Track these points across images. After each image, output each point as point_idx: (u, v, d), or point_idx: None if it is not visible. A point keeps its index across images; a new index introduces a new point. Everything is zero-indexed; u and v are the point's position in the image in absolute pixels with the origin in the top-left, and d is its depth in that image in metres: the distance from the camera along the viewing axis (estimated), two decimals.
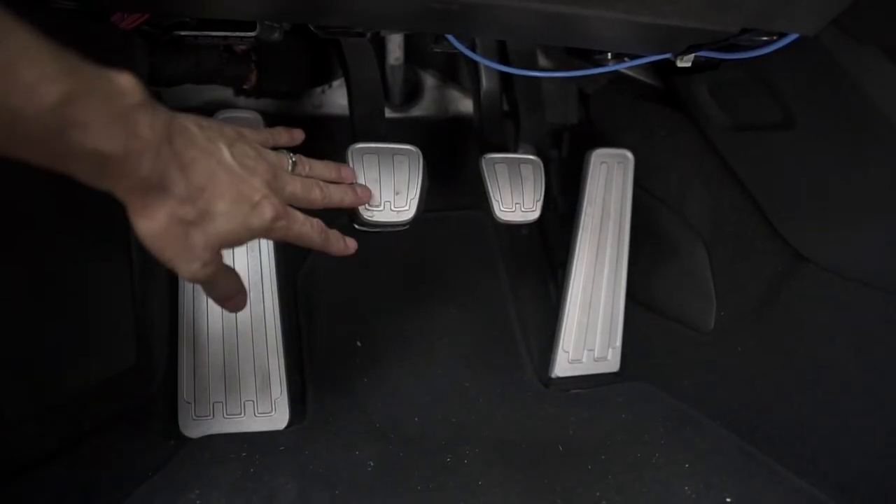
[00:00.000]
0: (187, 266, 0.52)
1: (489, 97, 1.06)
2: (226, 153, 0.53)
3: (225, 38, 0.80)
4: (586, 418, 0.94)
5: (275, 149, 0.65)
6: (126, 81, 0.43)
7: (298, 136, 0.73)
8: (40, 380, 0.62)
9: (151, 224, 0.48)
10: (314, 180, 0.66)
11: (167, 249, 0.50)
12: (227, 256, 0.84)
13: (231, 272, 0.60)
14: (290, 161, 0.64)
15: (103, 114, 0.40)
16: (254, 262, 0.88)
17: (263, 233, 0.57)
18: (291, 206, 0.61)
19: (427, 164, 0.83)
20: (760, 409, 0.89)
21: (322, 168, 0.70)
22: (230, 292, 0.61)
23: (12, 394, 0.58)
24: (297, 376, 1.00)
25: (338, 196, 0.69)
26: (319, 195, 0.65)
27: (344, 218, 0.79)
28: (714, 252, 1.00)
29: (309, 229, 0.62)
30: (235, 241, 0.55)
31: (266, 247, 0.89)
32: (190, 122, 0.51)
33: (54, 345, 0.64)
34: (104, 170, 0.43)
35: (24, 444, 0.61)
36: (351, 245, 0.70)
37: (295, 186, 0.61)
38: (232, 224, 0.53)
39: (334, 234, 0.67)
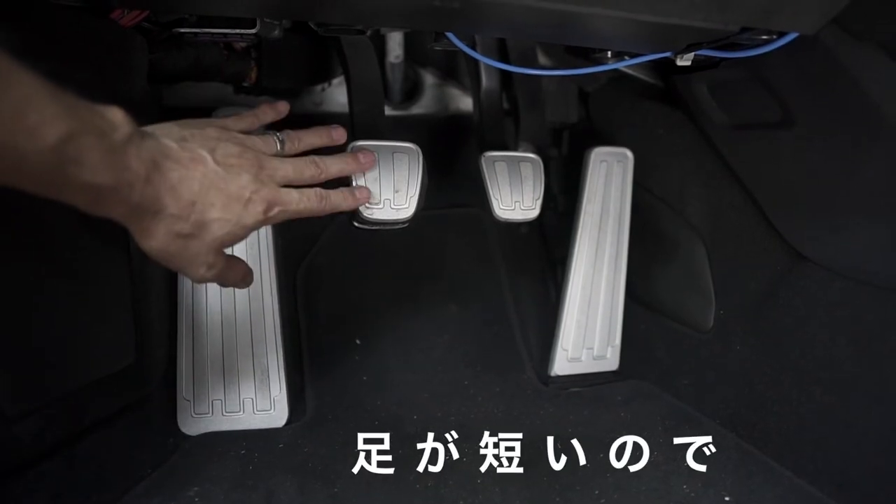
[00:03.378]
0: (195, 272, 0.57)
1: (489, 95, 1.06)
2: (209, 160, 0.55)
3: (225, 35, 0.80)
4: (585, 417, 0.95)
5: (266, 129, 0.66)
6: (116, 116, 0.46)
7: (283, 108, 0.73)
8: (40, 377, 0.62)
9: (153, 242, 0.52)
10: (308, 158, 0.65)
11: (173, 261, 0.55)
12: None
13: (236, 262, 0.63)
14: (278, 141, 0.64)
15: (97, 150, 0.43)
16: (253, 260, 0.88)
17: (260, 225, 0.59)
18: (290, 186, 0.62)
19: (427, 162, 0.83)
20: (759, 408, 0.89)
21: (312, 137, 0.69)
22: (239, 279, 0.64)
23: (11, 391, 0.58)
24: (297, 374, 1.00)
25: (336, 167, 0.69)
26: (315, 172, 0.65)
27: (343, 216, 0.79)
28: (713, 250, 1.00)
29: (306, 204, 0.63)
30: (234, 240, 0.57)
31: (265, 244, 0.89)
32: (172, 140, 0.53)
33: (54, 342, 0.64)
34: (100, 199, 0.46)
35: (23, 440, 0.61)
36: (362, 196, 0.72)
37: (286, 170, 0.62)
38: (227, 227, 0.56)
39: (336, 195, 0.67)
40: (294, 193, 0.61)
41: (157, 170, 0.49)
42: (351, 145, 0.80)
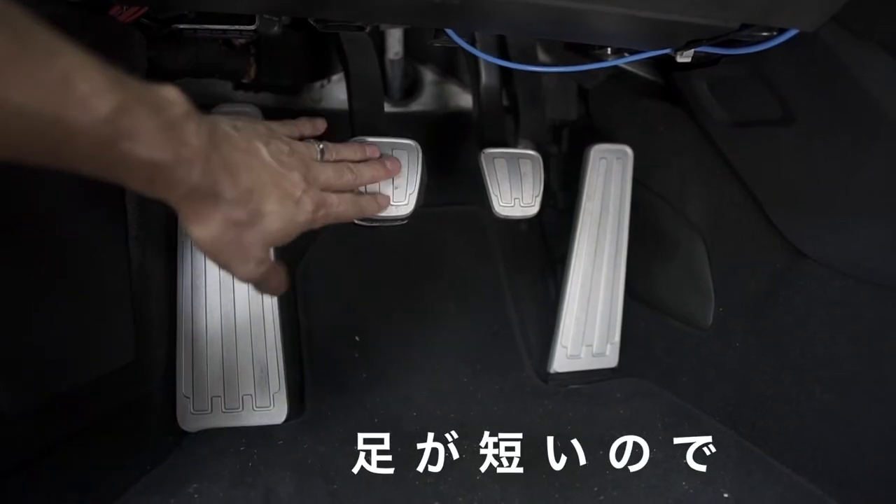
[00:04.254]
0: (243, 267, 0.55)
1: (489, 92, 1.06)
2: (264, 152, 0.55)
3: (224, 31, 0.80)
4: (584, 414, 0.94)
5: (300, 139, 0.66)
6: (171, 93, 0.44)
7: (321, 125, 0.73)
8: (39, 375, 0.62)
9: (206, 230, 0.50)
10: (344, 164, 0.67)
11: (222, 253, 0.53)
12: None
13: (280, 267, 0.62)
14: (319, 149, 0.65)
15: (153, 124, 0.41)
16: None
17: (309, 226, 0.59)
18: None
19: (426, 159, 0.83)
20: (758, 406, 0.89)
21: (349, 151, 0.71)
22: (276, 285, 0.63)
23: (11, 389, 0.58)
24: (296, 371, 1.00)
25: (368, 173, 0.71)
26: (351, 178, 0.67)
27: None
28: (713, 248, 1.00)
29: (345, 208, 0.64)
30: (285, 238, 0.57)
31: None
32: (227, 126, 0.52)
33: (53, 341, 0.64)
34: (156, 179, 0.44)
35: (22, 439, 0.61)
36: (383, 202, 0.74)
37: (327, 174, 0.63)
38: (281, 222, 0.55)
39: (364, 199, 0.70)
40: (334, 197, 0.62)
41: (217, 150, 0.48)
42: (351, 141, 0.80)
